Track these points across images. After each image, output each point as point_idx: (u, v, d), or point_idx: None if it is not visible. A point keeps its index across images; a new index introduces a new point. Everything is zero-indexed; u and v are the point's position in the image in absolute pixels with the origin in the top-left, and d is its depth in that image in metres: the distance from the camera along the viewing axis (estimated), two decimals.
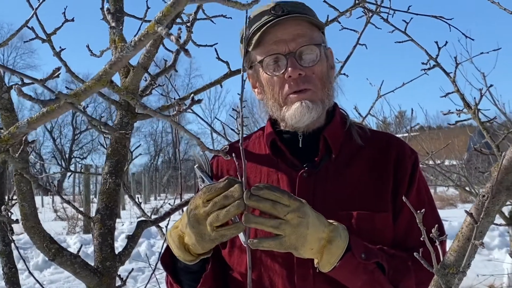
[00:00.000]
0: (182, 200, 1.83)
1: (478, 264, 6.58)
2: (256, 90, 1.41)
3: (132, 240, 1.61)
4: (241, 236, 1.17)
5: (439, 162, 5.32)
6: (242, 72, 1.07)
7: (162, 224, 1.88)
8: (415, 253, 0.84)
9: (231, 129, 2.45)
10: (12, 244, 1.86)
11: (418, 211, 0.84)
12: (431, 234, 0.84)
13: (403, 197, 0.92)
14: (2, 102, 1.41)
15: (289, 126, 1.35)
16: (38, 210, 1.48)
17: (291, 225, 1.09)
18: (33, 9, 1.59)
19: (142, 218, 1.71)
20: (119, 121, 1.58)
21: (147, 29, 0.82)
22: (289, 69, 1.28)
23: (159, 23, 0.80)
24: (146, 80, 1.66)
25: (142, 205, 2.08)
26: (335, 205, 1.26)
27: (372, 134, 1.41)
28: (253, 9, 1.34)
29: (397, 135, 1.60)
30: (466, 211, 0.84)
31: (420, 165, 1.41)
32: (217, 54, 1.74)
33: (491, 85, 2.56)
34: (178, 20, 1.70)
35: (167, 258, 1.30)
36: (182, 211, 1.77)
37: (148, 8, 1.78)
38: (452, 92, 2.27)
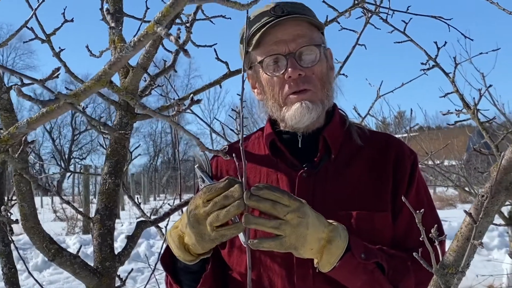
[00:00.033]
0: (182, 200, 1.83)
1: (477, 264, 6.58)
2: (255, 90, 1.41)
3: (132, 240, 1.61)
4: (241, 236, 1.17)
5: (438, 162, 5.33)
6: (242, 73, 1.07)
7: (162, 224, 1.88)
8: (414, 253, 0.84)
9: (231, 129, 2.45)
10: (12, 245, 1.86)
11: (417, 211, 0.84)
12: (430, 234, 0.84)
13: (402, 197, 0.92)
14: (2, 103, 1.41)
15: (289, 127, 1.35)
16: (37, 211, 1.48)
17: (291, 225, 1.09)
18: (32, 10, 1.59)
19: (142, 219, 1.71)
20: (118, 122, 1.58)
21: (147, 30, 0.82)
22: (289, 69, 1.28)
23: (159, 24, 0.80)
24: (145, 81, 1.66)
25: (142, 206, 2.08)
26: (335, 205, 1.26)
27: (371, 134, 1.41)
28: (253, 10, 1.34)
29: (396, 136, 1.60)
30: (465, 211, 0.84)
31: (420, 166, 1.41)
32: (217, 54, 1.74)
33: (490, 85, 2.57)
34: (178, 20, 1.70)
35: (167, 258, 1.30)
36: (182, 211, 1.77)
37: (147, 8, 1.78)
38: (452, 93, 2.27)
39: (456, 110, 2.25)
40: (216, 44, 1.74)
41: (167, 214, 1.75)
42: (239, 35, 1.39)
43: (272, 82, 1.32)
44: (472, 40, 2.45)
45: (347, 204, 1.27)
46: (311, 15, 1.35)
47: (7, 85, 1.43)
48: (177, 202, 1.85)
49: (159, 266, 1.46)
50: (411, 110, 4.13)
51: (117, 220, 1.66)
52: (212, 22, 1.87)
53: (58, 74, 0.92)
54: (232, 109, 2.29)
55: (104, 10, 1.53)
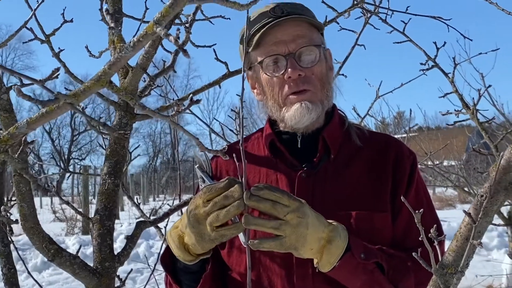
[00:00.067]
0: (181, 200, 1.83)
1: (477, 264, 6.58)
2: (255, 91, 1.41)
3: (131, 240, 1.61)
4: (241, 236, 1.17)
5: (437, 162, 5.33)
6: (243, 73, 1.07)
7: (161, 225, 1.88)
8: (413, 253, 0.84)
9: (230, 129, 2.45)
10: (11, 245, 1.86)
11: (417, 211, 0.84)
12: (429, 234, 0.85)
13: (401, 198, 0.92)
14: (1, 103, 1.40)
15: (289, 127, 1.35)
16: (37, 212, 1.48)
17: (291, 225, 1.09)
18: (32, 10, 1.58)
19: (141, 219, 1.71)
20: (118, 122, 1.58)
21: (146, 30, 0.82)
22: (289, 69, 1.28)
23: (158, 24, 0.80)
24: (145, 81, 1.66)
25: (141, 206, 2.08)
26: (334, 205, 1.26)
27: (370, 135, 1.42)
28: (252, 10, 1.35)
29: (395, 136, 1.60)
30: (464, 211, 0.85)
31: (419, 166, 1.41)
32: (216, 55, 1.74)
33: (489, 86, 2.57)
34: (177, 21, 1.70)
35: (167, 258, 1.30)
36: (181, 212, 1.78)
37: (146, 9, 1.78)
38: (451, 93, 2.27)
39: (455, 110, 2.25)
40: (215, 44, 1.73)
41: (167, 215, 1.75)
42: (238, 36, 1.39)
43: (271, 82, 1.32)
44: (471, 40, 2.46)
45: (346, 204, 1.27)
46: (311, 15, 1.36)
47: (6, 86, 1.43)
48: (176, 202, 1.85)
49: (159, 266, 1.46)
50: (411, 110, 4.14)
51: (116, 221, 1.66)
52: (211, 22, 1.87)
53: (58, 75, 0.92)
54: (232, 110, 2.29)
55: (104, 10, 1.53)
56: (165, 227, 2.10)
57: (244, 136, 1.41)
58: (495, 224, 0.92)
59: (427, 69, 2.26)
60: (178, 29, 0.79)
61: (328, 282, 1.20)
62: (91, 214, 1.58)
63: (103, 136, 1.77)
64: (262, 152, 1.40)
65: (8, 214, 1.58)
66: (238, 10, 0.83)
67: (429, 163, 4.95)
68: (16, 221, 1.46)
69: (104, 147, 1.74)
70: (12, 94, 1.38)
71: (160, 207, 12.37)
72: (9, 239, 1.85)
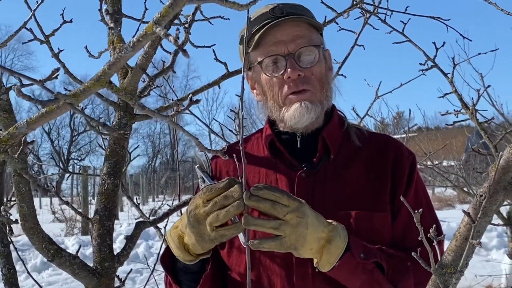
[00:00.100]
0: (180, 201, 1.83)
1: (476, 264, 6.58)
2: (255, 91, 1.42)
3: (131, 240, 1.61)
4: (241, 236, 1.17)
5: (437, 162, 5.33)
6: (243, 73, 1.07)
7: (161, 225, 1.88)
8: (413, 253, 0.85)
9: (229, 130, 2.45)
10: (11, 245, 1.86)
11: (416, 211, 0.84)
12: (429, 234, 0.85)
13: (401, 198, 0.92)
14: (1, 104, 1.40)
15: (288, 127, 1.35)
16: (36, 212, 1.48)
17: (291, 225, 1.09)
18: (31, 11, 1.58)
19: (141, 219, 1.71)
20: (117, 122, 1.58)
21: (146, 30, 0.82)
22: (288, 70, 1.28)
23: (157, 24, 0.80)
24: (144, 81, 1.66)
25: (140, 206, 2.08)
26: (334, 205, 1.27)
27: (369, 135, 1.42)
28: (252, 11, 1.35)
29: (395, 136, 1.61)
30: (463, 211, 0.85)
31: (418, 166, 1.41)
32: (215, 55, 1.74)
33: (488, 86, 2.58)
34: (176, 21, 1.70)
35: (167, 258, 1.30)
36: (181, 212, 1.78)
37: (146, 9, 1.78)
38: (450, 93, 2.27)
39: (454, 110, 2.25)
40: (214, 44, 1.74)
41: (166, 215, 1.75)
42: (238, 36, 1.39)
43: (271, 82, 1.33)
44: (470, 40, 2.46)
45: (346, 204, 1.27)
46: (310, 16, 1.36)
47: (6, 86, 1.43)
48: (176, 202, 1.85)
49: (158, 266, 1.46)
50: (410, 110, 4.13)
51: (116, 221, 1.66)
52: (210, 23, 1.87)
53: (57, 75, 0.92)
54: (231, 110, 2.29)
55: (103, 10, 1.53)
56: (164, 228, 2.09)
57: (243, 137, 1.41)
58: (494, 224, 0.92)
59: (427, 69, 2.26)
60: (178, 29, 0.79)
61: (328, 282, 1.20)
62: (91, 214, 1.58)
63: (103, 136, 1.76)
64: (261, 152, 1.40)
65: (8, 214, 1.58)
66: (238, 10, 0.83)
67: (429, 163, 4.95)
68: (16, 221, 1.46)
69: (103, 147, 1.74)
70: (12, 95, 1.38)
71: (159, 208, 12.38)
72: (9, 239, 1.85)
